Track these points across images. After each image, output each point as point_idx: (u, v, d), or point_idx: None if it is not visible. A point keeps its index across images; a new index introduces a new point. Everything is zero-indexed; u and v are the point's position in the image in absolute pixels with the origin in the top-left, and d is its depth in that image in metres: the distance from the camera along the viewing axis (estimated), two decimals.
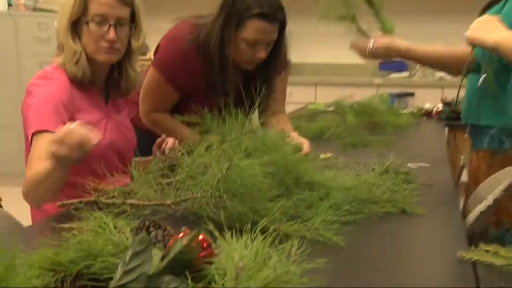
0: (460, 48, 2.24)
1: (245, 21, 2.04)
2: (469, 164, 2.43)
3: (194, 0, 5.33)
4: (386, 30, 2.52)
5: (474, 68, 2.13)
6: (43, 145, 1.58)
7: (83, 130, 1.40)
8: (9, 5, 5.50)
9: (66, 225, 1.28)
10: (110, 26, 1.76)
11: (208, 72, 2.13)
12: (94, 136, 1.42)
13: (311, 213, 1.36)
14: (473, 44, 1.74)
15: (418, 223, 1.45)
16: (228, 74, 2.13)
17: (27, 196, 1.61)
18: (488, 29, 1.70)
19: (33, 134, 1.65)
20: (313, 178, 1.53)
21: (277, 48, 2.16)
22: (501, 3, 2.16)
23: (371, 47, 2.27)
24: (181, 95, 2.19)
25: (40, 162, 1.54)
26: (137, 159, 2.00)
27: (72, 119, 1.72)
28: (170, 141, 1.97)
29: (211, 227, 0.93)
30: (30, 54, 5.27)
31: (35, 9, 5.50)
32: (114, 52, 1.81)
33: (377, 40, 2.26)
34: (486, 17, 1.77)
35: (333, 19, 2.39)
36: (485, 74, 1.93)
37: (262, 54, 2.10)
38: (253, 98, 1.99)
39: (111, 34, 1.76)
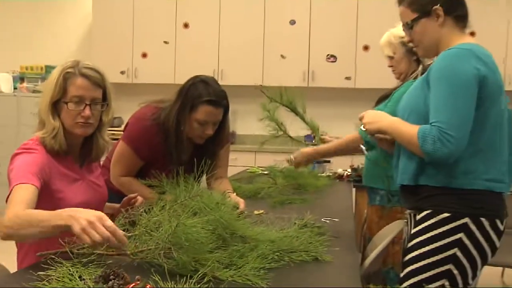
0: (351, 135, 2.41)
1: (197, 105, 2.08)
2: (367, 216, 2.51)
3: (155, 88, 5.40)
4: (313, 129, 2.69)
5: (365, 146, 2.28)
6: (25, 192, 1.51)
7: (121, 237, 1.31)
8: (14, 88, 5.76)
9: (42, 273, 1.24)
10: (86, 105, 1.72)
11: (166, 144, 2.14)
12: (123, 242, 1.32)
13: (243, 262, 1.35)
14: (372, 134, 1.82)
15: (326, 268, 1.46)
16: (182, 147, 2.14)
17: (11, 230, 1.43)
18: (376, 120, 1.79)
19: (14, 186, 1.55)
20: (245, 233, 1.53)
21: (222, 127, 2.20)
22: (386, 101, 2.33)
23: (292, 159, 2.53)
24: (144, 162, 2.19)
25: (22, 205, 1.46)
26: (106, 204, 1.96)
27: (49, 182, 1.67)
28: (140, 199, 1.94)
29: (157, 277, 0.93)
30: (27, 126, 5.22)
31: (34, 91, 5.60)
32: (89, 126, 1.76)
33: (294, 154, 2.57)
34: (371, 112, 1.85)
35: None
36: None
37: (209, 131, 2.13)
38: (201, 165, 2.00)
39: (87, 112, 1.72)
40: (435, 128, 1.57)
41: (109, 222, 1.31)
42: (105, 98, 1.80)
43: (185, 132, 2.12)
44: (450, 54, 1.64)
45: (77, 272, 1.18)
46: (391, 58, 2.45)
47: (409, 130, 1.65)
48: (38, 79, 5.73)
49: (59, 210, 1.41)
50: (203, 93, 2.07)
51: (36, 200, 1.55)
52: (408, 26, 1.77)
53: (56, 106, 1.74)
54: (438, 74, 1.63)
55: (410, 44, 1.99)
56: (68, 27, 6.17)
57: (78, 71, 1.73)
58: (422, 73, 2.28)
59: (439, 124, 1.57)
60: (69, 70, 1.73)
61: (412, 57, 2.36)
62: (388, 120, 1.76)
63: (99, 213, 1.34)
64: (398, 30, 2.39)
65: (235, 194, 2.18)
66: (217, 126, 2.16)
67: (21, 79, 5.85)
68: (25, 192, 1.53)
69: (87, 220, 1.30)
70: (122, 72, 5.75)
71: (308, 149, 2.55)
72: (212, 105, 2.08)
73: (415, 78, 2.29)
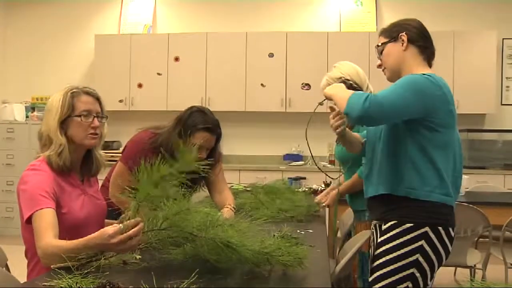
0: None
1: (194, 132, 2.09)
2: (355, 231, 2.46)
3: (150, 114, 5.39)
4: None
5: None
6: (47, 218, 1.53)
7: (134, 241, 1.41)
8: (26, 116, 5.83)
9: (47, 284, 1.21)
10: (94, 117, 1.74)
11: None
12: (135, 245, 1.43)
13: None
14: (329, 99, 1.82)
15: (302, 274, 1.45)
16: None
17: (47, 258, 1.46)
18: (337, 90, 1.75)
19: (34, 212, 1.55)
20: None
21: (214, 150, 2.21)
22: None
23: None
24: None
25: (51, 230, 1.50)
26: (106, 221, 1.93)
27: (57, 199, 1.65)
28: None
29: (146, 286, 0.91)
30: (37, 150, 5.16)
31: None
32: (97, 137, 1.77)
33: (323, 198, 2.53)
34: (335, 84, 1.88)
35: None
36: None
37: (203, 155, 2.13)
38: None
39: (96, 122, 1.74)
40: (373, 94, 1.57)
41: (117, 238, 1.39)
42: (102, 112, 1.82)
43: None
44: (412, 75, 1.68)
45: (77, 283, 1.16)
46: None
47: (347, 91, 1.67)
48: None
49: (84, 242, 1.41)
50: (201, 121, 2.10)
51: (57, 220, 1.56)
52: (379, 50, 1.81)
53: (63, 124, 1.73)
54: (399, 81, 1.66)
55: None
56: (73, 62, 6.17)
57: (81, 90, 1.76)
58: None
59: (379, 93, 1.57)
60: (74, 90, 1.76)
61: None
62: (346, 92, 1.71)
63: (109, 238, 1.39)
64: (334, 73, 2.41)
65: (233, 205, 2.18)
66: (209, 151, 2.16)
67: (32, 108, 5.87)
68: (47, 218, 1.53)
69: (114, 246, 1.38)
70: (121, 101, 5.71)
71: (332, 192, 2.50)
72: (208, 132, 2.11)
73: None
